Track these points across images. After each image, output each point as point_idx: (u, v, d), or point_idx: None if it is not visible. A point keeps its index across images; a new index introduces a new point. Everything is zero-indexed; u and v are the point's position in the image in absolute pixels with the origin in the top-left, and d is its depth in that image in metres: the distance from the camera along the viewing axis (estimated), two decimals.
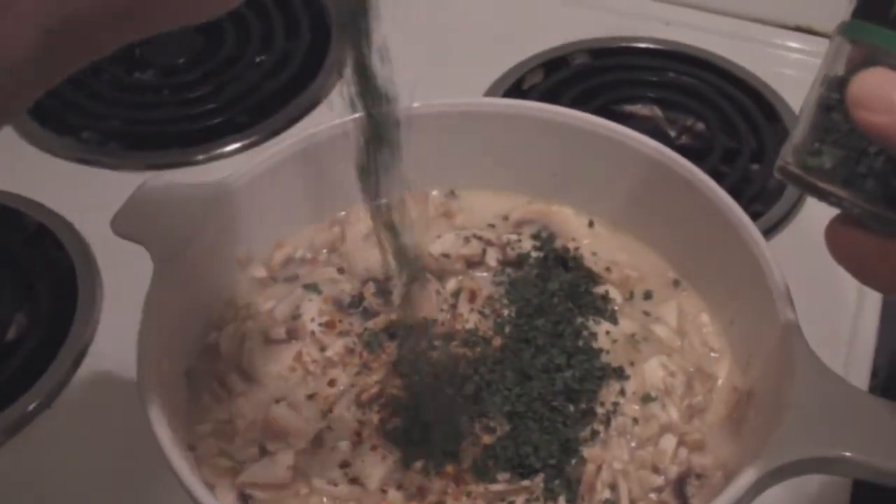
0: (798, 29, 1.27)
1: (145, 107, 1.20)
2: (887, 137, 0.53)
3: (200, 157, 1.12)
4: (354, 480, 0.71)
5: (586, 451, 0.72)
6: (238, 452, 0.73)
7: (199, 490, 0.64)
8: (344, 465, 0.72)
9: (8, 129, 1.14)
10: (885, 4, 0.55)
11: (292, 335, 0.80)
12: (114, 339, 0.93)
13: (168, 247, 0.76)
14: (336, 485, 0.71)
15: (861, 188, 0.55)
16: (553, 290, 0.81)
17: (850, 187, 0.56)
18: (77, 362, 0.92)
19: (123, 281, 0.97)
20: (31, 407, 0.89)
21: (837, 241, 0.59)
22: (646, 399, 0.76)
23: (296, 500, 0.71)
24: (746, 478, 0.63)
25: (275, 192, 0.84)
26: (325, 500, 0.71)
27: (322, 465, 0.72)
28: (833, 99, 0.57)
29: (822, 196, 0.57)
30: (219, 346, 0.80)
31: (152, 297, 0.73)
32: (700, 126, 1.15)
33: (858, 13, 0.57)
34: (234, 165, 1.03)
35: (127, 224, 0.77)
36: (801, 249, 0.97)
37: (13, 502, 0.85)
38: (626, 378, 0.77)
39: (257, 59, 1.24)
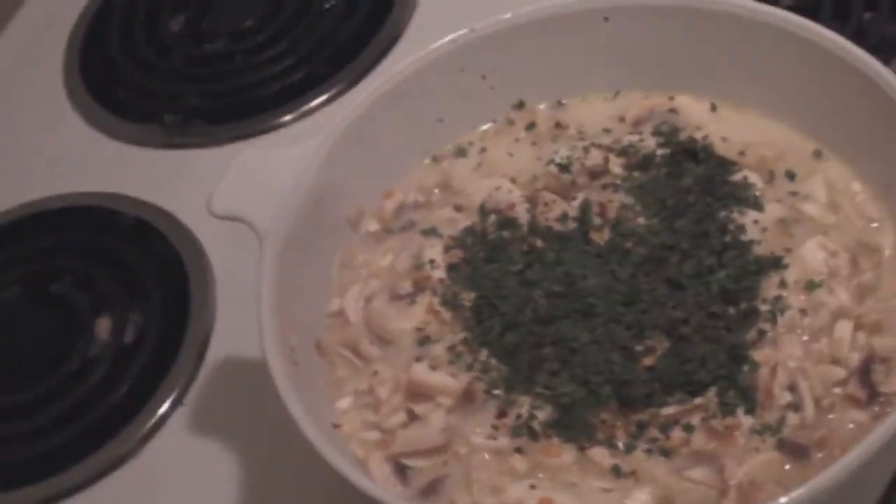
0: None
1: (221, 77, 1.18)
2: None
3: (287, 117, 1.09)
4: (515, 430, 0.67)
5: (756, 355, 0.68)
6: (385, 422, 0.70)
7: (345, 468, 0.62)
8: (500, 415, 0.69)
9: (86, 126, 1.13)
10: None
11: (419, 287, 0.76)
12: (234, 323, 0.92)
13: (271, 219, 0.73)
14: (495, 438, 0.68)
15: None
16: (688, 187, 0.77)
17: None
18: (201, 353, 0.91)
19: (234, 260, 0.95)
20: (164, 407, 0.88)
21: None
22: (810, 286, 0.71)
23: (457, 463, 0.68)
24: None
25: (372, 140, 0.81)
26: (486, 456, 0.68)
27: (477, 419, 0.69)
28: None
29: None
30: (345, 312, 0.77)
31: (264, 274, 0.71)
32: None
33: None
34: (323, 120, 0.99)
35: (224, 203, 0.76)
36: None
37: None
38: (785, 267, 0.72)
39: (326, 5, 1.20)
